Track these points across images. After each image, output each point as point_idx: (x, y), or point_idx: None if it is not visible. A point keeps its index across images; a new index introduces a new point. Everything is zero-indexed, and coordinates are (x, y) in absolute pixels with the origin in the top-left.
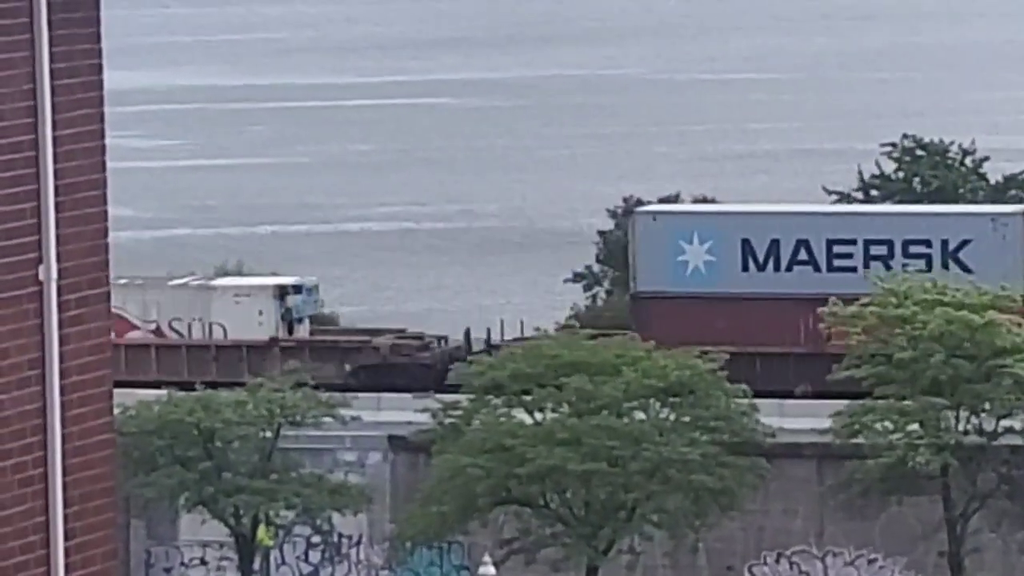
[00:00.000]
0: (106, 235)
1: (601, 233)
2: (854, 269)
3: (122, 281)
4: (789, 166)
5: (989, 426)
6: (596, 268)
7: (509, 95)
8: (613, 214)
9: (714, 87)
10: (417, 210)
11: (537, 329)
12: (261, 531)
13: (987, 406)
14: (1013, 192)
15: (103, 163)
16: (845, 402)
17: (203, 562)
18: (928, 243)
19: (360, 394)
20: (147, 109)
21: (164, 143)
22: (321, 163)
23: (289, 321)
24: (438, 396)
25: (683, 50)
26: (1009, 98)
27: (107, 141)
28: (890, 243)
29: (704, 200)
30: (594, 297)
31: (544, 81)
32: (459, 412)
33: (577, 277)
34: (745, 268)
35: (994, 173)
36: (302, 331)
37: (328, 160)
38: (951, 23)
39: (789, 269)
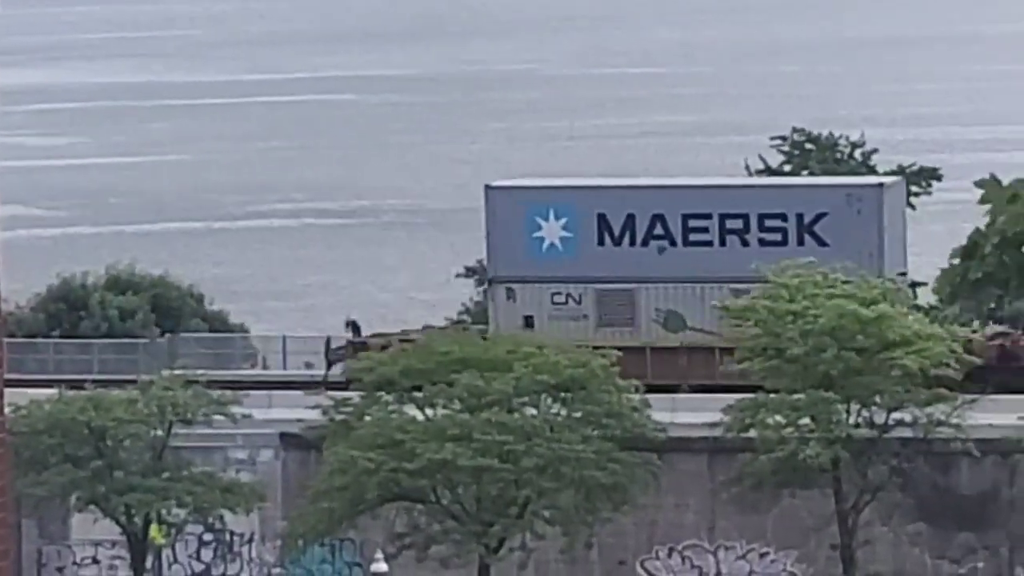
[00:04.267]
0: None
1: None
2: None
3: None
4: (676, 162)
5: (880, 419)
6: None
7: (419, 91)
8: None
9: (626, 81)
10: (319, 205)
11: (428, 326)
12: (153, 530)
13: (877, 399)
14: None
15: None
16: (736, 396)
17: (95, 561)
18: (784, 217)
19: (251, 391)
20: (48, 107)
21: (65, 141)
22: (223, 160)
23: None
24: (329, 393)
25: (593, 45)
26: (916, 90)
27: None
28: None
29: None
30: (485, 292)
31: (454, 76)
32: (350, 408)
33: (469, 272)
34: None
35: (883, 165)
36: None
37: (230, 157)
38: (873, 15)
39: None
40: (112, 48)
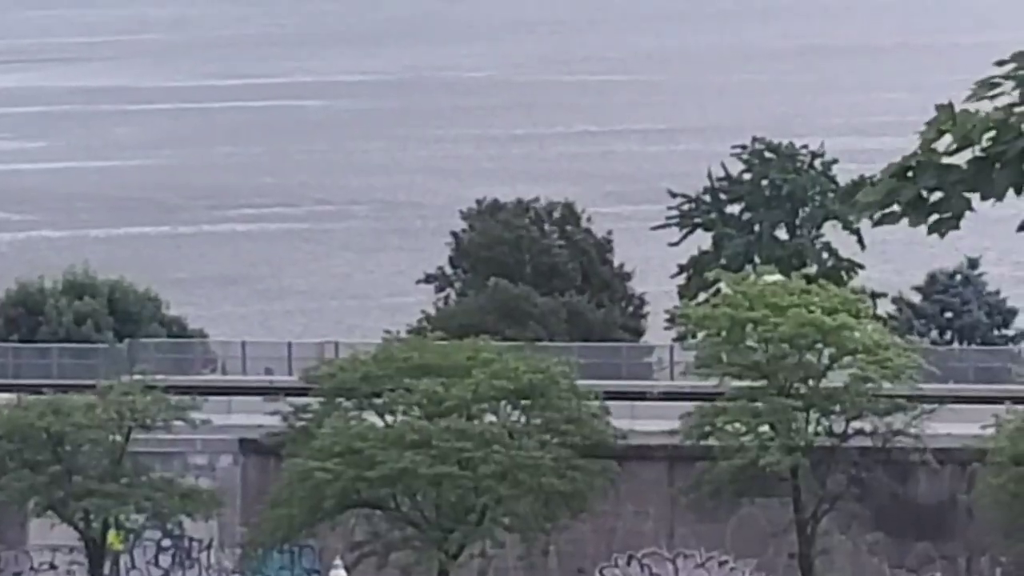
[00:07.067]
0: None
1: (454, 235)
2: None
3: None
4: (641, 169)
5: (839, 428)
6: (448, 270)
7: (387, 96)
8: (465, 216)
9: (594, 87)
10: (283, 211)
11: (388, 332)
12: (111, 535)
13: (837, 408)
14: None
15: None
16: (695, 404)
17: (52, 567)
18: None
19: (211, 397)
20: (18, 111)
21: (34, 145)
22: (190, 164)
23: None
24: (289, 399)
25: (566, 51)
26: (871, 100)
27: None
28: None
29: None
30: (446, 299)
31: (423, 82)
32: (309, 415)
33: (429, 279)
34: None
35: (844, 175)
36: None
37: (197, 161)
38: (825, 22)
39: None
40: (84, 52)
